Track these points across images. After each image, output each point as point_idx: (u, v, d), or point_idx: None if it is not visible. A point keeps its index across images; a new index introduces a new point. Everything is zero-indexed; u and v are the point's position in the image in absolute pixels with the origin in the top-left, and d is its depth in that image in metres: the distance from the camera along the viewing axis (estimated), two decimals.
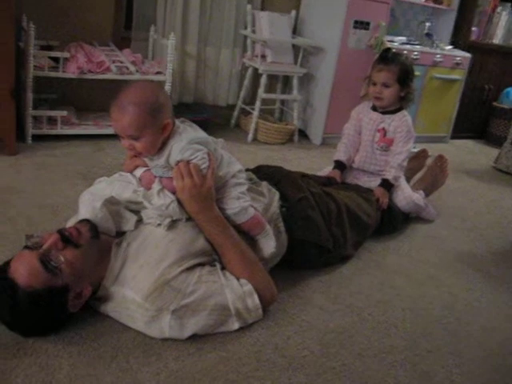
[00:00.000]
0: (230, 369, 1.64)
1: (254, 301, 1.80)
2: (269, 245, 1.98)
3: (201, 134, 1.87)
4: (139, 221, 1.84)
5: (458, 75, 4.75)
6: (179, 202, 1.80)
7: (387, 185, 2.77)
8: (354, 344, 1.85)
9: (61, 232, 1.66)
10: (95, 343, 1.65)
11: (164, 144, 1.78)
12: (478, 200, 3.60)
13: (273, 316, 1.92)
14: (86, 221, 1.75)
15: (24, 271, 1.55)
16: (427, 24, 4.82)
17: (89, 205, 1.80)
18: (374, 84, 2.77)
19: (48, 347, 1.61)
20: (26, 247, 1.62)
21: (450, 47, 4.79)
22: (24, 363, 1.54)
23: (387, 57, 2.76)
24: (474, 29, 5.01)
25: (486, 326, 2.10)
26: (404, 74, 2.73)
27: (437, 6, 4.83)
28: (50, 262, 1.58)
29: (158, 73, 3.62)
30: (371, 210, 2.58)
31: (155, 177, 1.84)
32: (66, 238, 1.65)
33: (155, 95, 1.74)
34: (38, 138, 3.32)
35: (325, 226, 2.23)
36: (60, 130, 3.41)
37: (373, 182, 2.83)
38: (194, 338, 1.72)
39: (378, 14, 4.07)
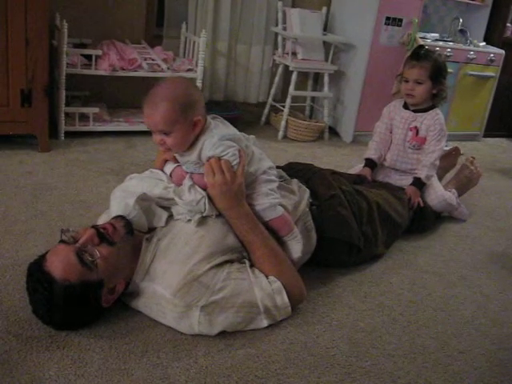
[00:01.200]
0: (259, 366, 1.64)
1: (283, 298, 1.80)
2: (295, 248, 1.98)
3: (232, 130, 1.87)
4: (170, 216, 1.85)
5: (492, 72, 4.67)
6: (210, 198, 1.80)
7: (419, 184, 2.74)
8: (384, 344, 1.84)
9: (96, 228, 1.68)
10: (126, 338, 1.67)
11: (195, 140, 1.79)
12: (511, 200, 3.54)
13: (302, 314, 1.91)
14: (120, 217, 1.76)
15: (60, 265, 1.57)
16: (460, 20, 4.75)
17: (121, 201, 1.81)
18: (406, 81, 2.74)
19: (80, 341, 1.63)
20: (62, 241, 1.64)
21: (484, 44, 4.71)
22: (57, 356, 1.56)
23: (420, 53, 2.73)
24: (508, 25, 4.92)
25: None
26: (437, 70, 2.69)
27: (470, 1, 4.75)
28: (86, 257, 1.60)
29: (189, 70, 3.64)
30: (402, 209, 2.55)
31: (186, 173, 1.84)
32: (102, 234, 1.67)
33: (187, 91, 1.75)
34: (70, 135, 3.37)
35: (356, 225, 2.21)
36: (92, 126, 3.45)
37: (404, 181, 2.80)
38: (223, 334, 1.72)
39: (411, 10, 4.02)
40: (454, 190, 2.96)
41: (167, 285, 1.70)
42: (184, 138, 1.76)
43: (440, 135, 2.76)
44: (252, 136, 2.00)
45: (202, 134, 1.79)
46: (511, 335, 2.00)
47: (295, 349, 1.74)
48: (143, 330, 1.72)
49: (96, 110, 3.43)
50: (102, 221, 1.92)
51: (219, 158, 1.77)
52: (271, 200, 1.90)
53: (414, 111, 2.80)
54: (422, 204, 2.70)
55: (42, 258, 1.61)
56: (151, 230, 1.85)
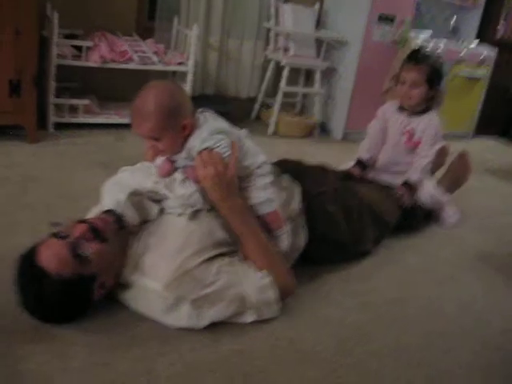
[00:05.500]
0: (245, 361, 1.64)
1: (273, 294, 1.80)
2: (283, 244, 1.98)
3: (222, 123, 1.86)
4: (161, 210, 1.85)
5: (483, 72, 4.68)
6: (202, 191, 1.80)
7: (410, 185, 2.73)
8: (369, 341, 1.84)
9: (88, 222, 1.67)
10: (111, 333, 1.66)
11: (185, 140, 1.79)
12: (500, 200, 3.55)
13: (289, 311, 1.91)
14: (111, 211, 1.75)
15: (54, 259, 1.55)
16: (453, 20, 4.75)
17: (113, 196, 1.80)
18: (403, 83, 2.72)
19: (64, 335, 1.62)
20: (54, 235, 1.62)
21: (476, 43, 4.72)
22: (40, 350, 1.54)
23: (418, 56, 2.71)
24: (500, 25, 4.94)
25: (505, 328, 2.07)
26: (434, 74, 2.67)
27: (463, 1, 4.75)
28: (80, 252, 1.59)
29: (180, 63, 3.62)
30: (391, 207, 2.55)
31: (171, 165, 1.84)
32: (94, 229, 1.65)
33: (172, 97, 1.74)
34: (59, 127, 3.35)
35: (344, 221, 2.21)
36: (81, 118, 3.43)
37: (396, 179, 2.79)
38: (209, 330, 1.72)
39: (403, 8, 4.03)
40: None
41: (158, 278, 1.69)
42: (175, 142, 1.78)
43: (434, 139, 2.73)
44: (244, 130, 2.00)
45: (190, 134, 1.79)
46: (495, 335, 2.01)
47: (281, 345, 1.74)
48: (128, 325, 1.70)
49: (86, 101, 3.41)
50: (93, 214, 1.90)
51: (211, 151, 1.76)
52: (268, 194, 1.91)
53: (409, 114, 2.79)
54: (410, 204, 2.69)
55: (33, 251, 1.59)
56: (142, 223, 1.84)
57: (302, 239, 2.10)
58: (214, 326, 1.72)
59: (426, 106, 2.76)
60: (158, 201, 1.85)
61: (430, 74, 2.66)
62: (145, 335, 1.67)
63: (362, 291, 2.15)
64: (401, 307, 2.08)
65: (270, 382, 1.59)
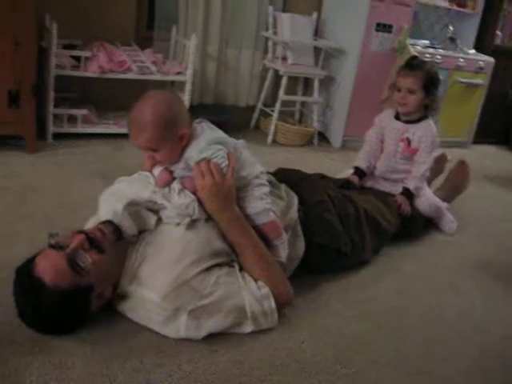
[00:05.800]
0: (243, 372, 1.63)
1: (271, 304, 1.80)
2: (281, 254, 1.97)
3: (219, 134, 1.87)
4: (158, 220, 1.84)
5: (481, 80, 4.69)
6: (199, 201, 1.80)
7: (409, 193, 2.73)
8: (368, 350, 1.83)
9: (86, 233, 1.67)
10: (109, 343, 1.66)
11: (183, 150, 1.79)
12: (499, 207, 3.54)
13: (287, 320, 1.91)
14: (109, 222, 1.73)
15: (51, 271, 1.55)
16: (451, 28, 4.77)
17: (110, 206, 1.79)
18: (399, 90, 2.73)
19: (62, 346, 1.61)
20: (52, 246, 1.62)
21: (474, 51, 4.73)
22: (38, 361, 1.54)
23: (413, 63, 2.73)
24: (498, 33, 4.95)
25: (504, 335, 2.06)
26: (429, 80, 2.68)
27: (461, 9, 4.77)
28: (78, 263, 1.59)
29: (178, 73, 3.63)
30: (391, 215, 2.55)
31: (170, 175, 1.84)
32: (92, 240, 1.65)
33: (169, 108, 1.74)
34: (58, 137, 3.35)
35: (343, 230, 2.21)
36: (80, 128, 3.43)
37: (393, 187, 2.79)
38: (207, 340, 1.71)
39: (401, 17, 4.03)
40: (445, 203, 2.97)
41: (156, 289, 1.69)
42: (172, 152, 1.79)
43: (431, 147, 2.74)
44: (242, 140, 2.00)
45: (189, 144, 1.79)
46: (494, 342, 2.01)
47: (280, 355, 1.74)
48: (126, 335, 1.70)
49: (84, 111, 3.42)
50: (91, 224, 1.90)
51: (208, 161, 1.77)
52: (265, 204, 1.91)
53: (406, 122, 2.80)
54: (409, 213, 2.69)
55: (31, 262, 1.59)
56: (140, 233, 1.84)
57: (300, 248, 2.09)
58: (212, 337, 1.72)
59: (422, 113, 2.76)
60: (155, 211, 1.85)
61: (426, 79, 2.67)
62: (143, 346, 1.67)
63: (361, 300, 2.14)
64: (400, 315, 2.08)
65: None
